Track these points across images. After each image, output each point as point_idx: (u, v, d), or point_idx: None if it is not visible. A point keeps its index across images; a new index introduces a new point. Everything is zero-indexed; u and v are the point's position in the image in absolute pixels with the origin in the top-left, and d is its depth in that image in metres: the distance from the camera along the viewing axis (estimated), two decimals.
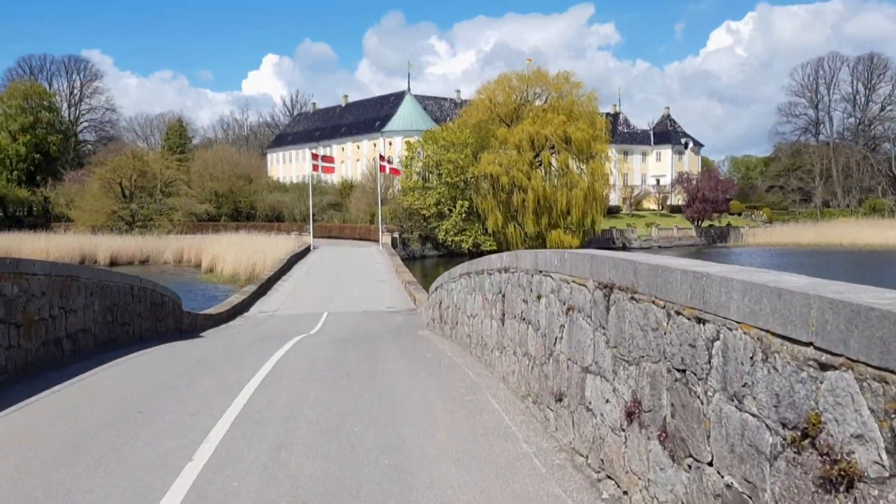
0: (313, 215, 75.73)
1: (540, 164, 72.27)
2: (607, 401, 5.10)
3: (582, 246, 74.85)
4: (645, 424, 4.44)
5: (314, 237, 63.36)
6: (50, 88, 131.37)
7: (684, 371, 3.96)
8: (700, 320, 3.74)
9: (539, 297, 6.86)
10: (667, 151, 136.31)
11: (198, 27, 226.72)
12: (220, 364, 10.36)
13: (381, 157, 57.22)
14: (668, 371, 4.14)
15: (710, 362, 3.68)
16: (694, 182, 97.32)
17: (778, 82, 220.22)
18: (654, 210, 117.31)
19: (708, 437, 3.68)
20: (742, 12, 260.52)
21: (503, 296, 8.43)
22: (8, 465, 5.73)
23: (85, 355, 10.21)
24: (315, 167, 56.90)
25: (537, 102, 76.72)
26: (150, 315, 13.04)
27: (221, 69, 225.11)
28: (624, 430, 4.78)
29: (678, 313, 3.98)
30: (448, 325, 12.83)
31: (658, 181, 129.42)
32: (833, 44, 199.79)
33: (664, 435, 4.16)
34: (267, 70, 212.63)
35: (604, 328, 5.17)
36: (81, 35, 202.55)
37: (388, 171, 57.85)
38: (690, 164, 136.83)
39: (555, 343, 6.35)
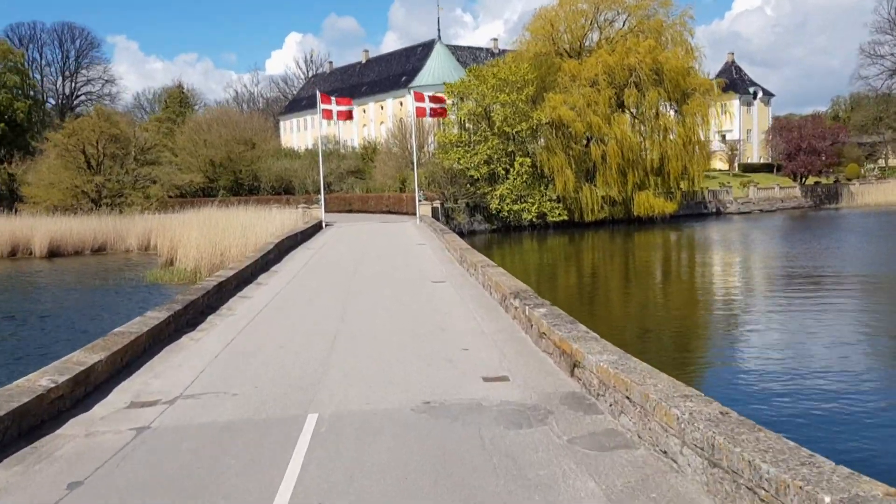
0: (329, 185, 59.59)
1: (622, 105, 55.15)
2: None
3: (677, 212, 57.97)
4: None
5: (330, 211, 47.33)
6: (41, 59, 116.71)
7: None
8: None
9: None
10: (733, 103, 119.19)
11: (224, 7, 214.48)
12: None
13: (419, 96, 40.40)
14: None
15: None
16: (795, 131, 79.30)
17: (809, 44, 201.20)
18: (723, 170, 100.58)
19: None
20: None
21: None
22: None
23: None
24: (327, 113, 40.36)
25: (607, 32, 59.55)
26: None
27: (245, 50, 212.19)
28: None
29: None
30: None
31: (724, 137, 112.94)
32: (866, 1, 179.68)
33: None
34: (290, 49, 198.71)
35: None
36: (107, 20, 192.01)
37: (428, 114, 41.05)
38: (760, 116, 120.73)
39: None
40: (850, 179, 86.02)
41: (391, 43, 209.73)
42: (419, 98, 40.84)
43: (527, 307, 11.40)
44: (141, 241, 44.44)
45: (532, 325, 11.00)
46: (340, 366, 10.21)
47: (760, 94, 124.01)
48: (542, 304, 11.55)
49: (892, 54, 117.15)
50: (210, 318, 14.32)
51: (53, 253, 42.65)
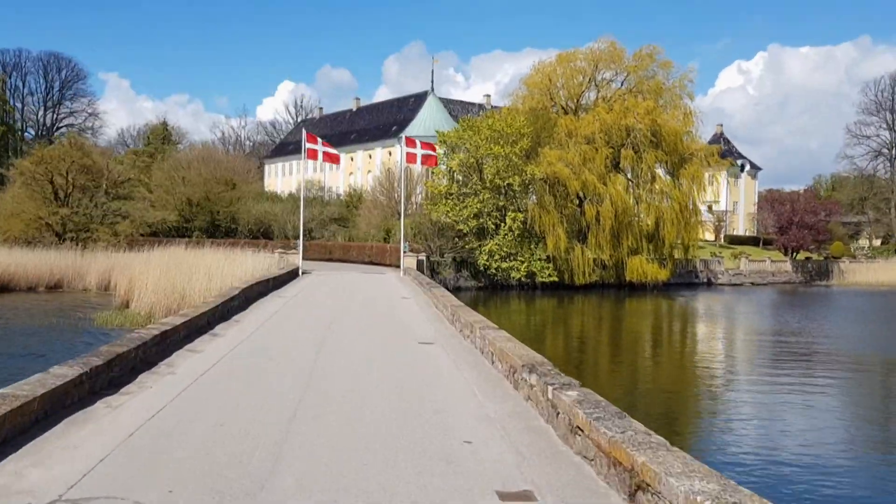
0: (310, 231, 56.98)
1: (617, 166, 53.24)
2: None
3: (669, 280, 55.70)
4: None
5: (309, 259, 44.63)
6: (24, 88, 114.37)
7: None
8: None
9: None
10: (721, 174, 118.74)
11: (219, 52, 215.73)
12: None
13: (411, 142, 38.06)
14: None
15: None
16: (788, 204, 77.94)
17: (789, 124, 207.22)
18: (710, 241, 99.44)
19: None
20: (752, 52, 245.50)
21: None
22: None
23: None
24: (312, 153, 37.82)
25: (604, 91, 58.06)
26: None
27: (237, 95, 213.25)
28: None
29: None
30: None
31: (710, 207, 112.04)
32: (846, 86, 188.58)
33: None
34: (282, 96, 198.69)
35: None
36: (100, 56, 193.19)
37: (419, 161, 38.65)
38: (747, 189, 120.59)
39: None
40: (836, 257, 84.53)
41: (384, 96, 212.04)
42: (410, 144, 38.56)
43: (549, 387, 8.61)
44: (101, 279, 41.42)
45: (558, 413, 8.22)
46: (296, 463, 7.34)
47: (748, 167, 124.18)
48: (569, 383, 8.74)
49: (877, 136, 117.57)
50: (142, 377, 11.40)
51: (4, 288, 39.51)
